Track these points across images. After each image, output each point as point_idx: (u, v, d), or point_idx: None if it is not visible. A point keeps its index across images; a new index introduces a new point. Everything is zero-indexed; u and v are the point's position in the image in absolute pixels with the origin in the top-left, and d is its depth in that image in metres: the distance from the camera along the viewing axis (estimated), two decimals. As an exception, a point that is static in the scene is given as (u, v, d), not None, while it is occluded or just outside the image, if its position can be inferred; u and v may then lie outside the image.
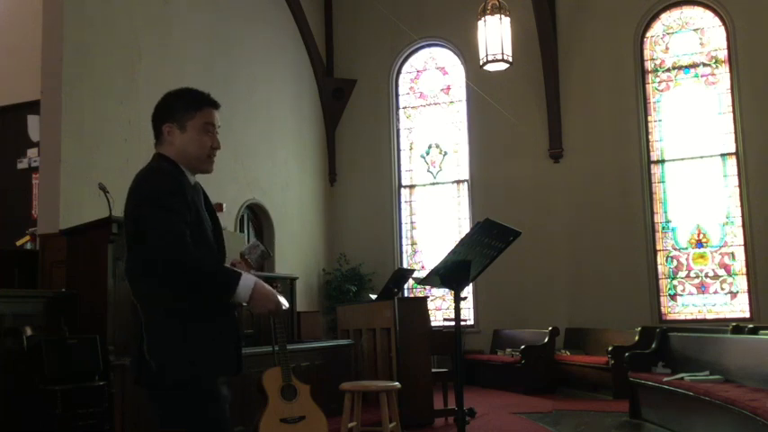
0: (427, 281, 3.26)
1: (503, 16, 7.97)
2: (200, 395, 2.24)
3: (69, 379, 4.97)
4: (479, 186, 10.99)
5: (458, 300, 3.23)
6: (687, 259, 9.97)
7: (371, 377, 6.99)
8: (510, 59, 8.11)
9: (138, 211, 2.24)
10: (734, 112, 9.83)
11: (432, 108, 11.66)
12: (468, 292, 10.49)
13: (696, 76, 10.21)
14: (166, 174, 2.31)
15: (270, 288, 2.28)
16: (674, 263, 10.02)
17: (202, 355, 2.23)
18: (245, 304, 2.24)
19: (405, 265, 11.06)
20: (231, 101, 8.86)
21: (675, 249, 10.04)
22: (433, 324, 8.29)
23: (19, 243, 6.84)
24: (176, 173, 2.34)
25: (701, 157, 9.99)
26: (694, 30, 10.30)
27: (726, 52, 10.02)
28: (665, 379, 5.86)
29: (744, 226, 9.63)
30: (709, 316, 9.69)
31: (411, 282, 9.87)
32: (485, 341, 10.37)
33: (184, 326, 2.22)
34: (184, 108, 2.38)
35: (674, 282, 9.99)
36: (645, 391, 6.35)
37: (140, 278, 2.28)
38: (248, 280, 2.22)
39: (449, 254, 3.11)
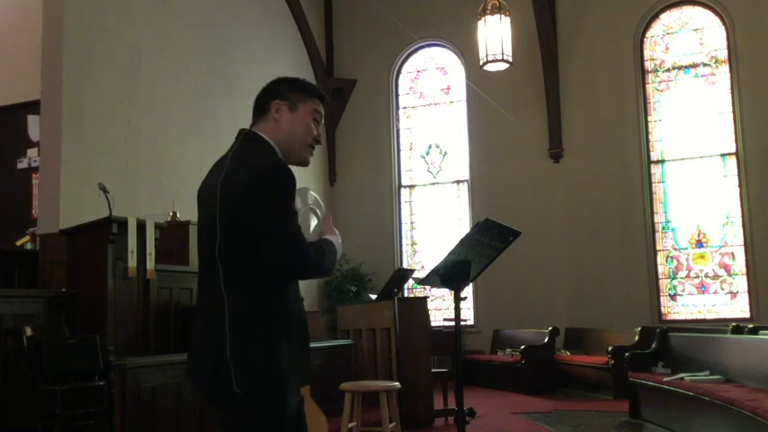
0: (427, 281, 3.26)
1: (503, 16, 7.98)
2: (280, 406, 2.03)
3: (69, 379, 4.97)
4: (479, 186, 10.98)
5: (458, 300, 3.22)
6: (687, 259, 9.97)
7: (371, 377, 7.00)
8: (510, 59, 8.11)
9: (256, 217, 2.02)
10: (734, 112, 9.82)
11: (432, 108, 11.65)
12: (468, 292, 10.48)
13: (696, 76, 10.21)
14: (285, 169, 2.07)
15: (331, 226, 2.27)
16: (674, 263, 10.02)
17: (288, 360, 2.05)
18: None
19: (405, 265, 11.05)
20: (231, 101, 8.86)
21: (675, 249, 10.03)
22: (433, 324, 8.28)
23: (19, 243, 6.83)
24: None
25: (701, 157, 9.98)
26: (694, 30, 10.30)
27: (726, 52, 10.02)
28: (665, 379, 5.86)
29: (744, 226, 9.63)
30: (709, 316, 9.69)
31: (411, 282, 9.87)
32: (485, 341, 10.37)
33: (271, 330, 2.04)
34: (298, 92, 2.27)
35: (674, 282, 9.99)
36: (645, 391, 6.35)
37: (241, 280, 2.05)
38: (334, 239, 2.20)
39: (449, 254, 3.11)
